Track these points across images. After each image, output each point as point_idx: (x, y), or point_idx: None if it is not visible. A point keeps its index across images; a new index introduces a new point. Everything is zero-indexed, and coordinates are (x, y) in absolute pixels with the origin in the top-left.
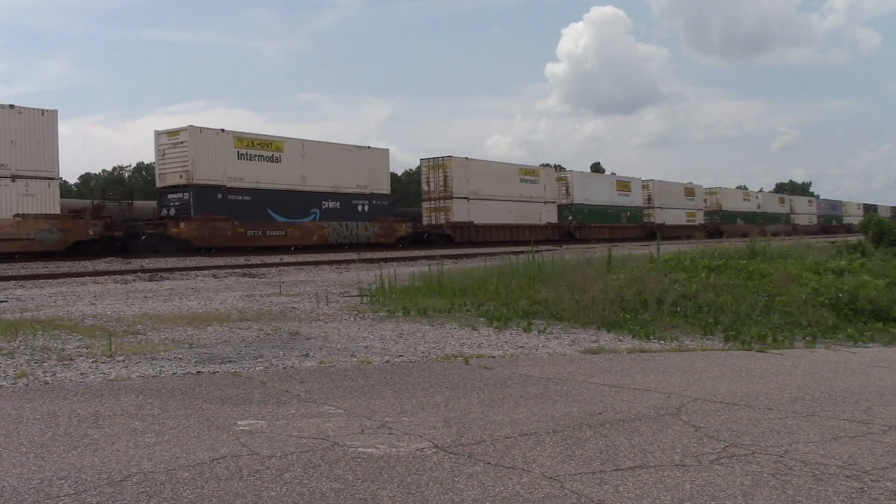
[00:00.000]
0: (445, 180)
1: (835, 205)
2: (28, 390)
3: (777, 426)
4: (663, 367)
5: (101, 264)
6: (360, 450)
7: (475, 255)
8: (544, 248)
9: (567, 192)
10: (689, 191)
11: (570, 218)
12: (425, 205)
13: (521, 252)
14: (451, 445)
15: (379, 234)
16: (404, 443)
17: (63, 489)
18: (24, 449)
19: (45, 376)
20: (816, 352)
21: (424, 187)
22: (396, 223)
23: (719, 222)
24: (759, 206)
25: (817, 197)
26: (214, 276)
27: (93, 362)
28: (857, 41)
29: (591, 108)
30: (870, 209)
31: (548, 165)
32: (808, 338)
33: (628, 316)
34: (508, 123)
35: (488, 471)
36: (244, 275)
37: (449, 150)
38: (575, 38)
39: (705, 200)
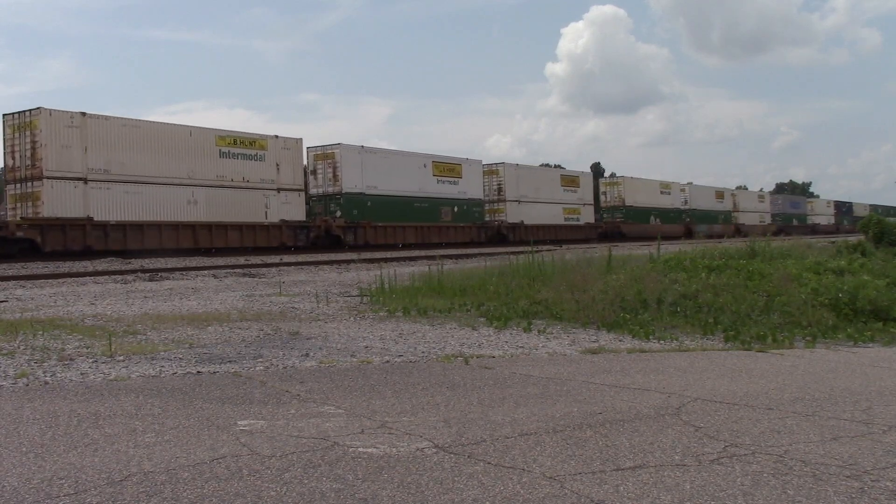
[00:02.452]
0: (34, 148)
1: (796, 202)
2: (28, 390)
3: (777, 426)
4: (663, 367)
5: (101, 264)
6: (360, 450)
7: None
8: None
9: (335, 175)
10: (570, 180)
11: (339, 214)
12: (10, 189)
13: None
14: (451, 445)
15: None
16: (404, 443)
17: (63, 489)
18: (24, 449)
19: (45, 376)
20: (816, 352)
21: (9, 161)
22: None
23: (620, 221)
24: (685, 202)
25: (816, 192)
26: (214, 276)
27: (93, 362)
28: (858, 41)
29: (592, 108)
30: (843, 207)
31: (280, 137)
32: (808, 338)
33: (628, 316)
34: (509, 123)
35: (488, 471)
36: (244, 275)
37: (450, 152)
38: (575, 37)
39: (604, 193)
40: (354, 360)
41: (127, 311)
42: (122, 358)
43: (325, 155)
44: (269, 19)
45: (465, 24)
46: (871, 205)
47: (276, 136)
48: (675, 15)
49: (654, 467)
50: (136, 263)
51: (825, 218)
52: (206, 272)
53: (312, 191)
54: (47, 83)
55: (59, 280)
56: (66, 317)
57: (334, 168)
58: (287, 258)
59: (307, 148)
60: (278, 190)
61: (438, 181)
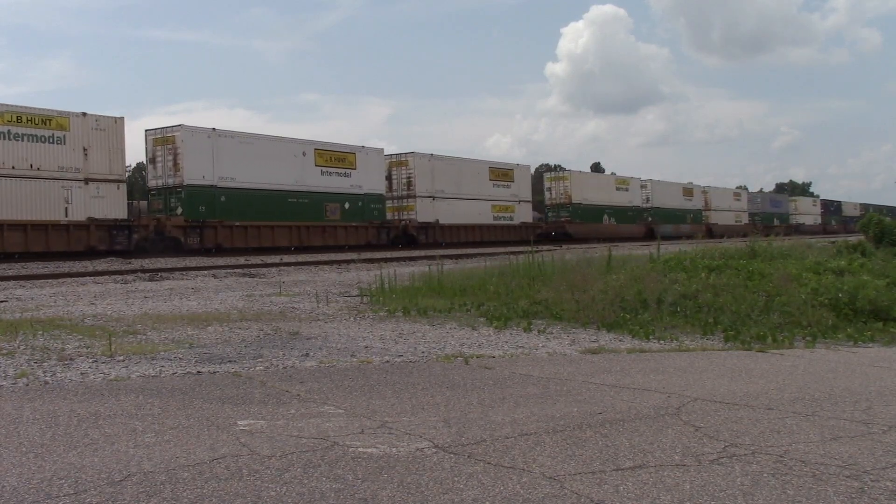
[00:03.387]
0: None
1: (778, 200)
2: (28, 390)
3: (777, 426)
4: (663, 367)
5: (101, 264)
6: (360, 450)
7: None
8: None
9: (175, 164)
10: (502, 173)
11: (179, 211)
12: None
13: None
14: (451, 445)
15: None
16: (404, 443)
17: (63, 489)
18: (24, 449)
19: (45, 376)
20: (816, 352)
21: None
22: None
23: (566, 221)
24: (647, 200)
25: (816, 192)
26: (214, 276)
27: (93, 362)
28: (859, 41)
29: (592, 107)
30: (830, 206)
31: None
32: (808, 338)
33: (628, 316)
34: (509, 123)
35: (488, 471)
36: (244, 275)
37: (450, 152)
38: (575, 37)
39: (549, 189)
40: (354, 360)
41: (127, 311)
42: (122, 358)
43: (165, 139)
44: (269, 19)
45: (465, 24)
46: (861, 204)
47: (84, 114)
48: (676, 15)
49: (654, 467)
50: (137, 263)
51: (811, 217)
52: (206, 272)
53: (152, 182)
54: (47, 83)
55: (59, 280)
56: (66, 317)
57: (175, 155)
58: (287, 258)
59: (146, 130)
60: (86, 181)
61: (323, 172)
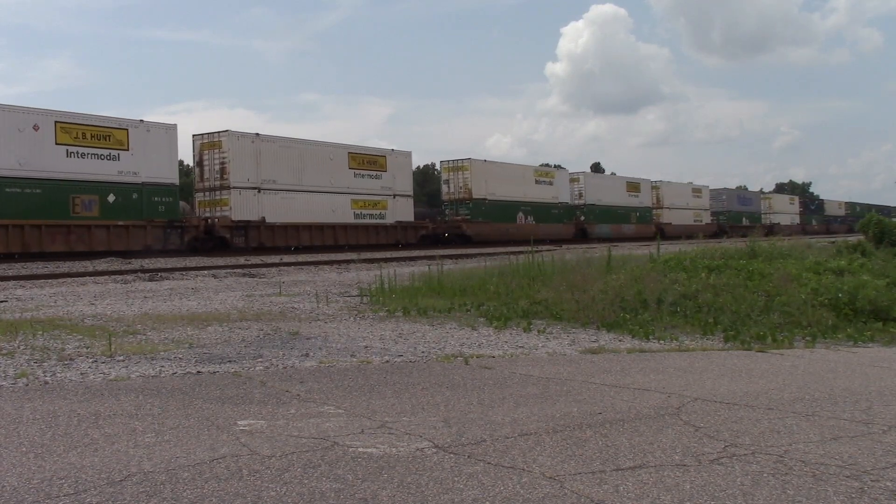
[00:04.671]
0: None
1: (747, 198)
2: (28, 390)
3: (777, 426)
4: (663, 367)
5: (101, 264)
6: (360, 450)
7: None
8: None
9: None
10: (368, 161)
11: None
12: None
13: None
14: (451, 445)
15: None
16: (404, 443)
17: (63, 489)
18: (24, 449)
19: (45, 376)
20: (816, 352)
21: None
22: None
23: (463, 219)
24: (579, 195)
25: (816, 192)
26: (214, 276)
27: (93, 362)
28: (859, 41)
29: (592, 107)
30: (811, 204)
31: None
32: (808, 338)
33: (628, 316)
34: (509, 123)
35: (488, 471)
36: (244, 275)
37: (450, 153)
38: (575, 37)
39: (447, 182)
40: (354, 360)
41: (127, 311)
42: (122, 358)
43: None
44: (269, 19)
45: (465, 24)
46: (846, 202)
47: None
48: (676, 15)
49: (654, 467)
50: (136, 263)
51: (788, 217)
52: (205, 272)
53: None
54: (47, 83)
55: (59, 280)
56: (66, 317)
57: None
58: (287, 258)
59: None
60: None
61: (71, 153)
